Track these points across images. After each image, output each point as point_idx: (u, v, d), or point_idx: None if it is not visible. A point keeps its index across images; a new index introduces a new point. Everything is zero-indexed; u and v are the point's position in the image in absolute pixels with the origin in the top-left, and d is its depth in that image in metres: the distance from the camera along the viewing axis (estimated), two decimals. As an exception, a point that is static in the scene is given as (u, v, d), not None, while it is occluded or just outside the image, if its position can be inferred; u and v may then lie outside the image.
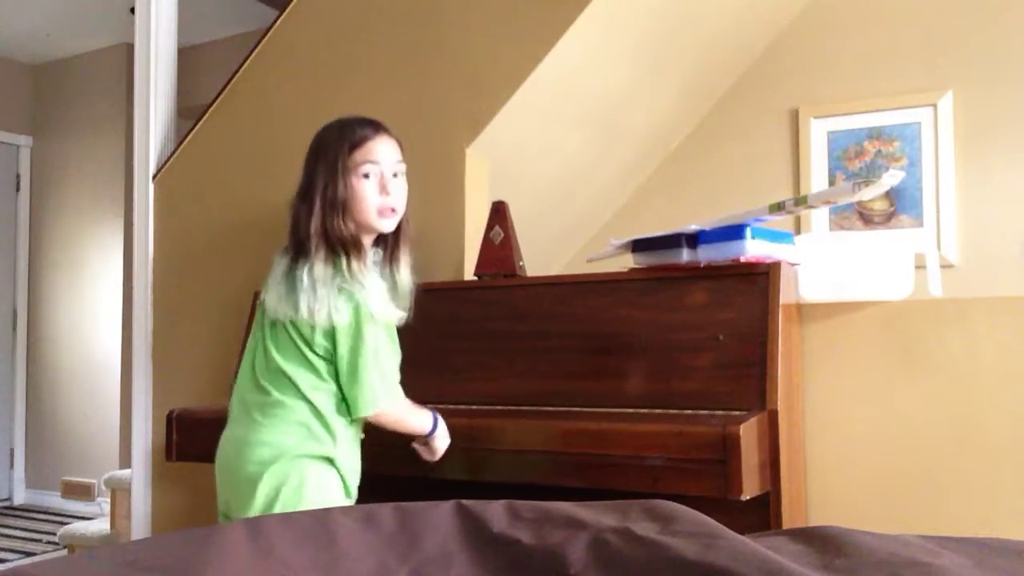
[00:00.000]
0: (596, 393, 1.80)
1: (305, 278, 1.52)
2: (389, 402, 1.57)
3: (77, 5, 4.36)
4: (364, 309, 1.52)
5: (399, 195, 1.63)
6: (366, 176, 1.58)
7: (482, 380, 1.95)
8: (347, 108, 2.49)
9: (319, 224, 1.55)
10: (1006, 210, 2.39)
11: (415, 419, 1.63)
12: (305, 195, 1.59)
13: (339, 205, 1.56)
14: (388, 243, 1.67)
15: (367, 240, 1.64)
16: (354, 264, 1.54)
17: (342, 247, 1.54)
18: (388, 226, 1.63)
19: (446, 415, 1.71)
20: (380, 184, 1.59)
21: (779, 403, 1.65)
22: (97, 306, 4.86)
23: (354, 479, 1.62)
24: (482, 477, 1.72)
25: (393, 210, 1.61)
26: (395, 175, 1.62)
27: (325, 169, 1.58)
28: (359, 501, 1.62)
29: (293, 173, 2.50)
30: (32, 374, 5.13)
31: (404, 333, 1.65)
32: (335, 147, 1.59)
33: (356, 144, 1.59)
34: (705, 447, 1.49)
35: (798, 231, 2.56)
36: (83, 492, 4.82)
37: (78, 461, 4.87)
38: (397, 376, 1.64)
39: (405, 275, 1.67)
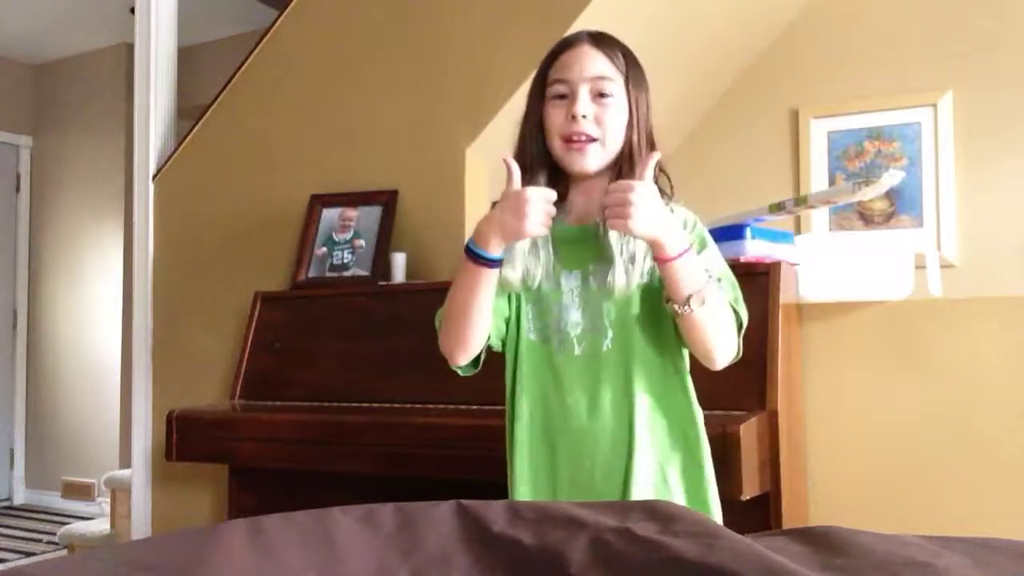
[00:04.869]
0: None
1: None
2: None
3: (77, 5, 4.36)
4: None
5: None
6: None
7: (485, 379, 1.95)
8: (347, 108, 2.50)
9: None
10: (1006, 210, 2.39)
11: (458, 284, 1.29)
12: None
13: None
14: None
15: None
16: None
17: None
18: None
19: (449, 416, 1.70)
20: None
21: (779, 403, 1.66)
22: (97, 306, 4.86)
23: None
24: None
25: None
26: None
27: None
28: (359, 501, 1.62)
29: (293, 173, 2.51)
30: (32, 374, 5.13)
31: (402, 333, 1.65)
32: None
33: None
34: (705, 447, 1.49)
35: (798, 231, 2.56)
36: (83, 492, 4.82)
37: (78, 461, 4.86)
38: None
39: None
